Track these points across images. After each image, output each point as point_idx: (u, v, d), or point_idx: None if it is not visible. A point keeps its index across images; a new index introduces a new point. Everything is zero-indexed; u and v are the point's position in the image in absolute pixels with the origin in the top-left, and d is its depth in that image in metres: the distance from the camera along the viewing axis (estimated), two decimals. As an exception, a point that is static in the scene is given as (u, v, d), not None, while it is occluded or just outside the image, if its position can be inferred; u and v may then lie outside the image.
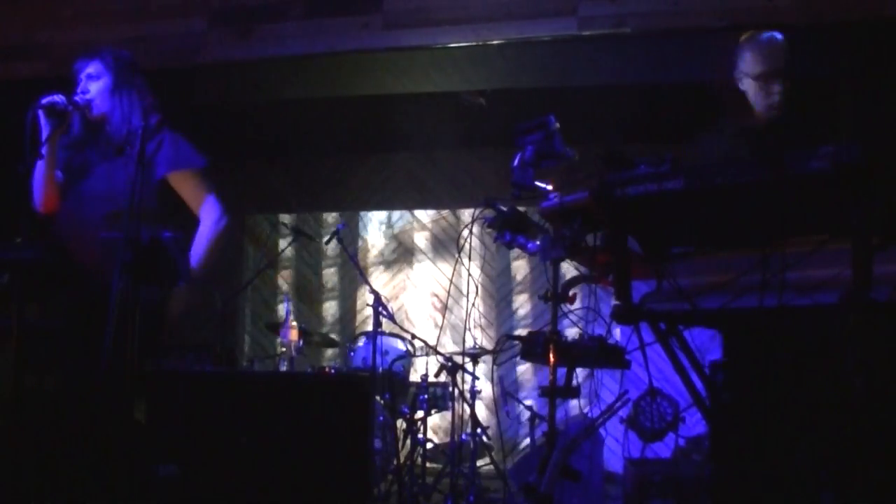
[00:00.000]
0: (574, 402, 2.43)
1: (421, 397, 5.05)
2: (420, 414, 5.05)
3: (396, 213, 7.45)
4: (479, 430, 4.92)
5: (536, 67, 4.84)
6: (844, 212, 1.74)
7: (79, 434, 2.71)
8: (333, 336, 6.18)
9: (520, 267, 7.07)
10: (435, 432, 6.39)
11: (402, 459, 4.67)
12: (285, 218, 7.24)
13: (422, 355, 5.34)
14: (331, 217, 7.49)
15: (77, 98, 2.92)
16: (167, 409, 3.46)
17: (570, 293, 2.37)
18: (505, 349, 3.44)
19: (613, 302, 2.10)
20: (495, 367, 6.02)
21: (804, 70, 2.94)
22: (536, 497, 2.22)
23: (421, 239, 7.40)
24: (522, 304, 7.03)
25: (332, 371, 5.17)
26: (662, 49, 4.54)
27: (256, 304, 7.56)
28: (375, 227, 7.49)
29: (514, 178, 2.36)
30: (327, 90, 5.35)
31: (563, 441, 2.31)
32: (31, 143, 2.77)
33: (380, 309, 4.81)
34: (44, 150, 2.84)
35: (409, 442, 4.87)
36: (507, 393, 6.12)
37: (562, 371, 2.28)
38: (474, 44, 4.49)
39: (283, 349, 4.90)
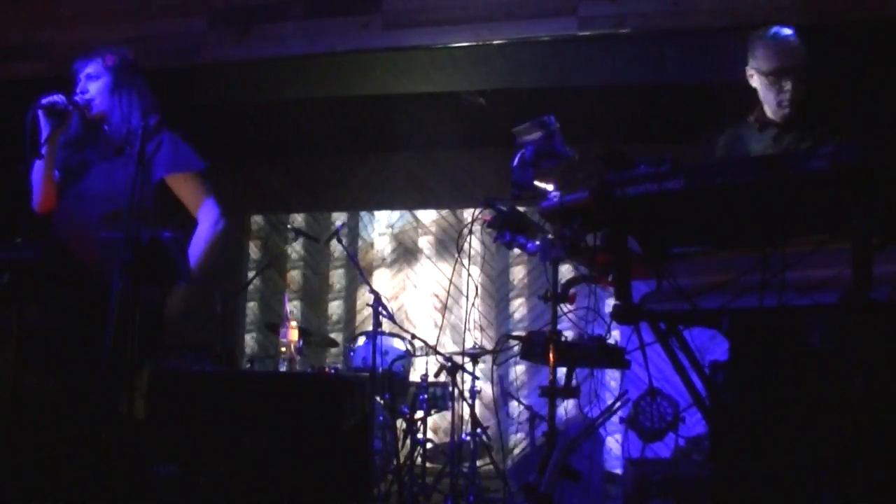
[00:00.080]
0: (573, 402, 2.43)
1: (421, 397, 5.05)
2: (420, 414, 5.06)
3: (397, 213, 7.45)
4: (478, 430, 4.92)
5: (536, 67, 4.84)
6: (844, 212, 1.74)
7: (79, 434, 2.70)
8: (334, 336, 6.18)
9: (519, 268, 7.07)
10: (435, 432, 6.39)
11: (402, 459, 4.67)
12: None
13: (422, 355, 5.34)
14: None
15: (77, 98, 2.91)
16: (167, 409, 3.46)
17: (570, 293, 2.37)
18: (504, 349, 3.45)
19: (613, 302, 2.10)
20: (495, 367, 6.02)
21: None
22: (536, 497, 2.22)
23: (421, 239, 7.40)
24: (521, 304, 7.03)
25: (332, 371, 5.17)
26: (662, 49, 4.54)
27: (258, 304, 7.56)
28: (375, 227, 7.49)
29: (514, 178, 2.36)
30: (327, 90, 5.35)
31: (563, 441, 2.31)
32: (31, 142, 2.77)
33: (379, 309, 4.81)
34: (44, 150, 2.83)
35: (408, 442, 4.87)
36: (506, 393, 6.12)
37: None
38: (474, 44, 4.50)
39: (284, 349, 4.89)
